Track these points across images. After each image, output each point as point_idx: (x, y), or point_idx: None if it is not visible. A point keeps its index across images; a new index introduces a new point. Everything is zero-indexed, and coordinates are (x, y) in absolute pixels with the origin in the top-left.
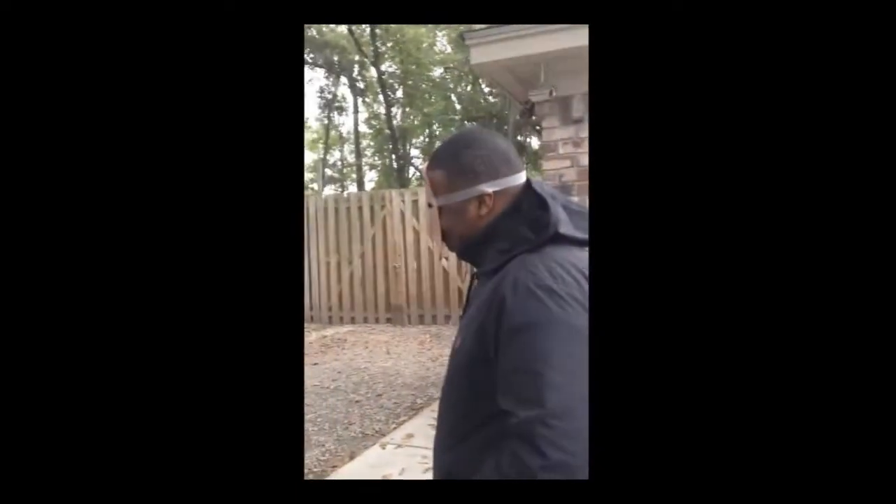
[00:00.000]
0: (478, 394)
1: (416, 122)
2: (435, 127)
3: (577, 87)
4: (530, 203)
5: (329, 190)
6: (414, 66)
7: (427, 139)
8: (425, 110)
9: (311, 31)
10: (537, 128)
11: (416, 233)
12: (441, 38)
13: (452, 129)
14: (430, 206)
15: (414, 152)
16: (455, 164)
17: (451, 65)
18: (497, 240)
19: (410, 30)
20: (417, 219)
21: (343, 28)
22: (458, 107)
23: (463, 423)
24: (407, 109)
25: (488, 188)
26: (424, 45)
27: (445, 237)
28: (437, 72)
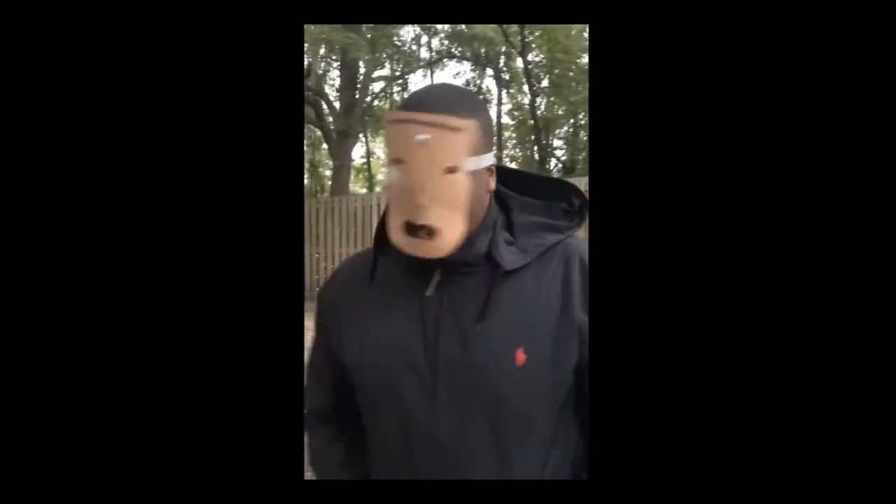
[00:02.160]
0: (556, 395)
1: (560, 112)
2: (580, 116)
3: None
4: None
5: None
6: (561, 55)
7: (571, 129)
8: (571, 99)
9: (461, 25)
10: None
11: None
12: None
13: None
14: (452, 170)
15: (557, 143)
16: (486, 115)
17: None
18: (533, 231)
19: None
20: None
21: None
22: None
23: (534, 428)
24: (552, 99)
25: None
26: (573, 31)
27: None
28: (585, 59)
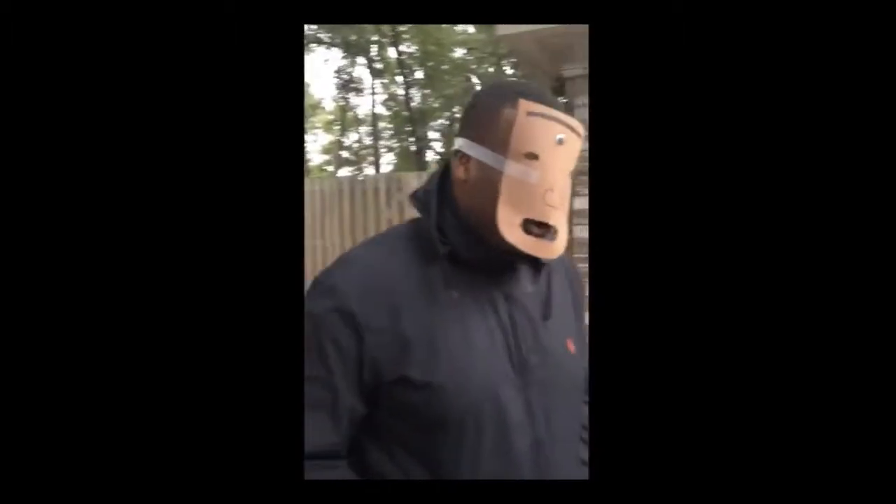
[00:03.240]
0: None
1: (435, 105)
2: (455, 110)
3: None
4: None
5: (345, 172)
6: (434, 47)
7: (447, 122)
8: (446, 92)
9: None
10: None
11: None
12: None
13: None
14: (569, 174)
15: (433, 135)
16: None
17: (473, 45)
18: None
19: None
20: None
21: None
22: (479, 89)
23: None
24: (426, 91)
25: None
26: (445, 25)
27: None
28: (459, 53)
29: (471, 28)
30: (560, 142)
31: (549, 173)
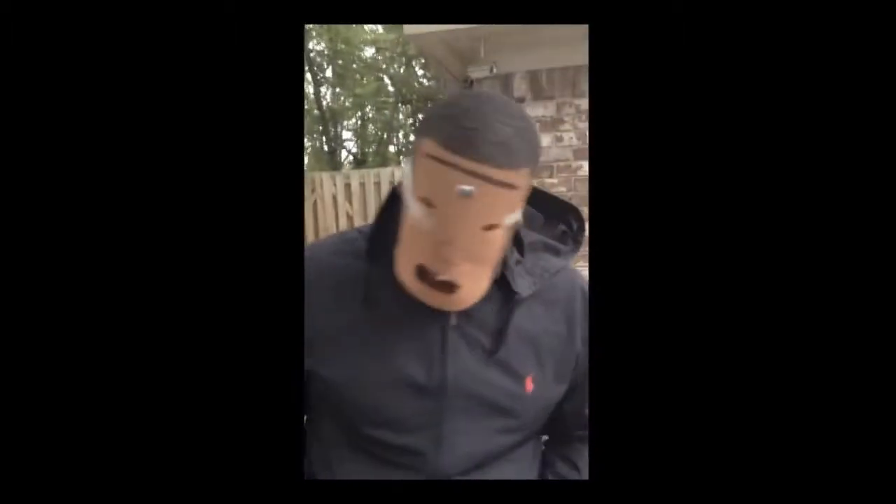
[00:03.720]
0: (541, 422)
1: (347, 104)
2: (368, 109)
3: (520, 64)
4: None
5: None
6: (343, 46)
7: (359, 121)
8: (357, 91)
9: None
10: None
11: (350, 218)
12: None
13: (386, 111)
14: (491, 227)
15: (346, 134)
16: (538, 155)
17: (383, 45)
18: (538, 250)
19: None
20: (350, 203)
21: None
22: (391, 89)
23: (503, 449)
24: (337, 90)
25: None
26: (354, 24)
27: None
28: (369, 52)
29: (380, 28)
30: (465, 194)
31: (447, 226)
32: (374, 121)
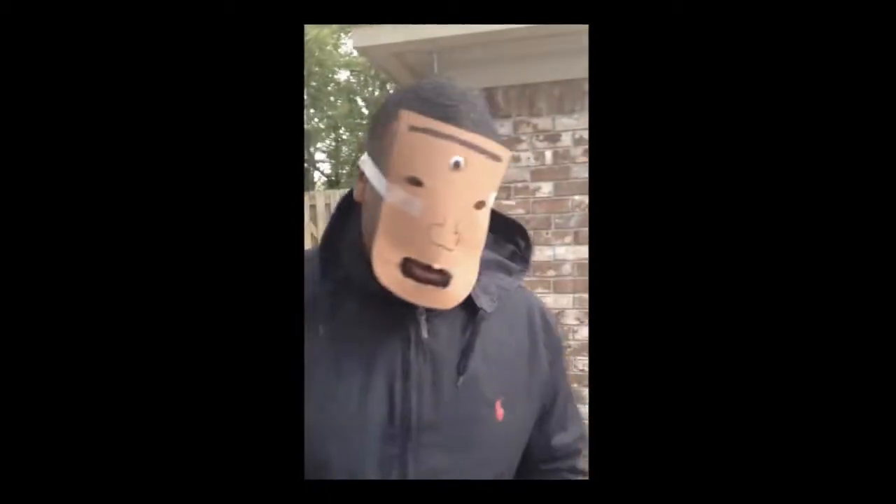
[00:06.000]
0: (521, 446)
1: (321, 126)
2: (341, 131)
3: (475, 80)
4: None
5: None
6: (317, 68)
7: (333, 143)
8: (330, 113)
9: None
10: None
11: (315, 239)
12: (347, 41)
13: (360, 133)
14: (480, 206)
15: (319, 156)
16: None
17: (357, 68)
18: (492, 269)
19: (313, 30)
20: (315, 224)
21: None
22: (365, 111)
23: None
24: (311, 111)
25: None
26: (328, 46)
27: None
28: (343, 75)
29: (354, 51)
30: (456, 166)
31: (438, 205)
32: (347, 142)
